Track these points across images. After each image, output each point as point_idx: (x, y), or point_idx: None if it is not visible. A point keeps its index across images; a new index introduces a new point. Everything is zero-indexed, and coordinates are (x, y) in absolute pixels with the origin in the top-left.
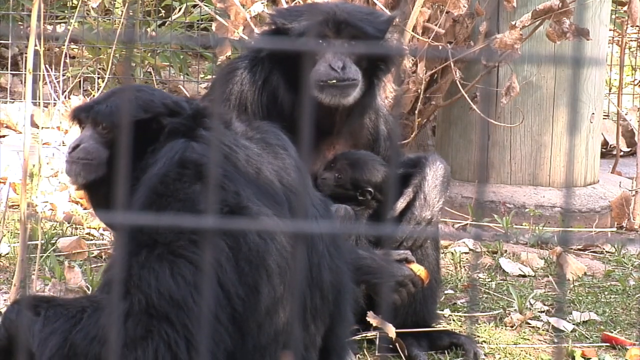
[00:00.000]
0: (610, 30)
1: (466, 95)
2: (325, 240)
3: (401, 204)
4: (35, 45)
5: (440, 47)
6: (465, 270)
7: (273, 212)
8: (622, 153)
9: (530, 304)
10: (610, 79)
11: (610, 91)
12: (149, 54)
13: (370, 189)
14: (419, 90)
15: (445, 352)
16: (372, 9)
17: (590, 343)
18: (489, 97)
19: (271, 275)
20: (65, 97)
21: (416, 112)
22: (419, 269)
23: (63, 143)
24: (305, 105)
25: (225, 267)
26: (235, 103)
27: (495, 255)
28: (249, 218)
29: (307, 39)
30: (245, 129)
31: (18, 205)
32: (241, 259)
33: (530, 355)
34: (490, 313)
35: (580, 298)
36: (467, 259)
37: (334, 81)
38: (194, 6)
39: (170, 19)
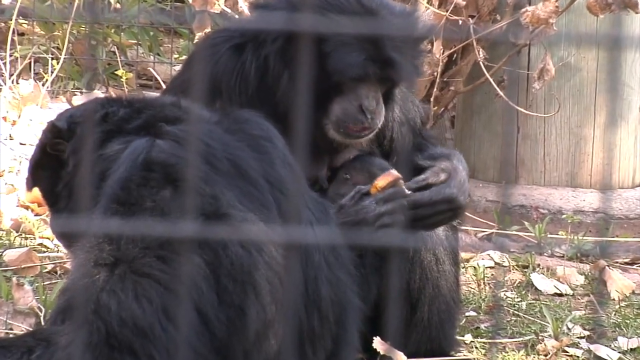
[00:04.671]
0: None
1: (491, 80)
2: (323, 248)
3: (423, 180)
4: None
5: (460, 22)
6: (490, 288)
7: (259, 218)
8: None
9: (568, 328)
10: None
11: None
12: (113, 31)
13: None
14: (435, 74)
15: None
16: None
17: None
18: (519, 81)
19: (260, 294)
20: (12, 82)
21: (431, 99)
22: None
23: (10, 137)
24: (302, 93)
25: (201, 287)
26: (209, 86)
27: (526, 270)
28: (230, 227)
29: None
30: (219, 117)
31: None
32: (222, 276)
33: None
34: (520, 339)
35: (628, 321)
36: (492, 274)
37: (358, 131)
38: None
39: None
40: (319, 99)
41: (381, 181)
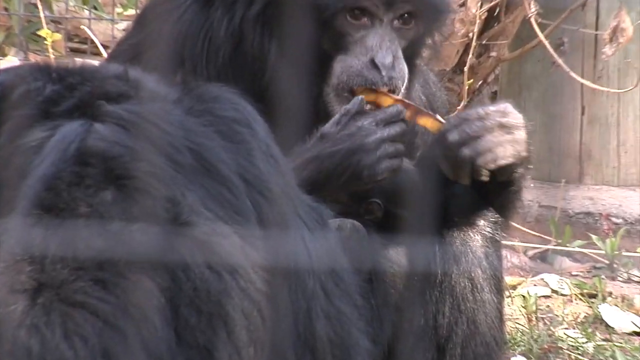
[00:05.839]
0: None
1: (547, 43)
2: (319, 271)
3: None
4: None
5: None
6: (545, 323)
7: (232, 229)
8: None
9: None
10: None
11: None
12: None
13: (378, 201)
14: (471, 34)
15: None
16: None
17: None
18: (584, 45)
19: (232, 331)
20: None
21: (466, 69)
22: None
23: None
24: (294, 61)
25: (154, 321)
26: (169, 51)
27: (593, 300)
28: (193, 240)
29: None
30: (179, 94)
31: None
32: (182, 306)
33: None
34: None
35: None
36: (547, 305)
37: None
38: None
39: None
40: (316, 63)
41: (384, 98)
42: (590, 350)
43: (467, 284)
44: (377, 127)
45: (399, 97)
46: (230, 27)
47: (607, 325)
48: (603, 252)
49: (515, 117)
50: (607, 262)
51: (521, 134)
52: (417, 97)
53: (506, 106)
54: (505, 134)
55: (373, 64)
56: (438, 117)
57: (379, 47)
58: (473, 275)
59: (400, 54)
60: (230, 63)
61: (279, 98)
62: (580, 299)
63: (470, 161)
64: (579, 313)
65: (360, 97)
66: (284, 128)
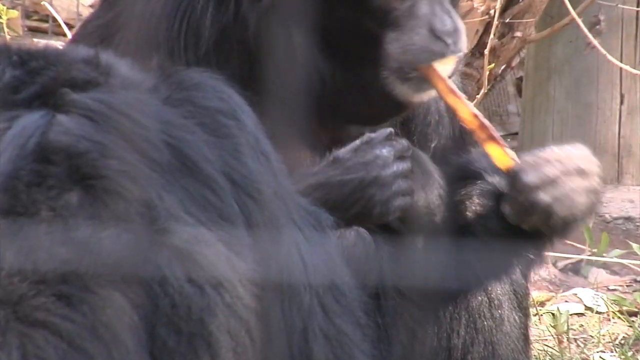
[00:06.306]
0: None
1: (580, 21)
2: (316, 285)
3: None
4: None
5: None
6: (579, 345)
7: (217, 236)
8: None
9: None
10: None
11: None
12: None
13: None
14: (492, 12)
15: None
16: None
17: None
18: (623, 23)
19: (217, 353)
20: None
21: (486, 51)
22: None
23: None
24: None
25: (126, 343)
26: (141, 34)
27: (634, 318)
28: (171, 249)
29: None
30: (156, 81)
31: None
32: (159, 326)
33: None
34: None
35: None
36: (581, 325)
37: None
38: None
39: None
40: (358, 47)
41: (462, 107)
42: None
43: (484, 298)
44: (395, 158)
45: (479, 114)
46: (216, 8)
47: None
48: None
49: (594, 163)
50: None
51: (598, 183)
52: None
53: (584, 149)
54: (583, 180)
55: (434, 34)
56: (511, 152)
57: (433, 13)
58: (490, 289)
59: (453, 9)
60: (214, 48)
61: (277, 86)
62: (619, 317)
63: (546, 207)
64: (617, 333)
65: (389, 129)
66: (279, 120)
